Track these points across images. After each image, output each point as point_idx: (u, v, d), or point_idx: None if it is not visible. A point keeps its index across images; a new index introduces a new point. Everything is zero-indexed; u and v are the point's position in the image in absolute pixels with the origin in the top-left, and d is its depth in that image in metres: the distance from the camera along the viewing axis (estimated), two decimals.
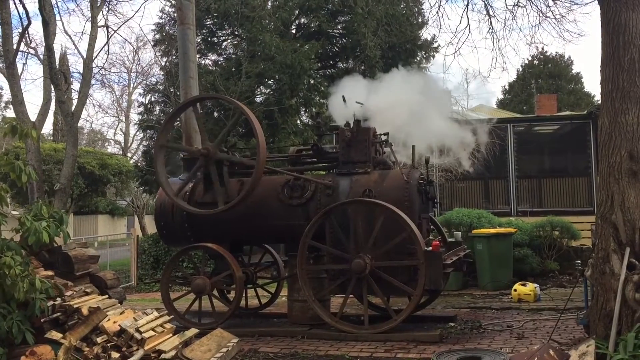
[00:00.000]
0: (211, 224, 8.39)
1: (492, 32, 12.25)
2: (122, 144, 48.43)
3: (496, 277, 11.31)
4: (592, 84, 74.17)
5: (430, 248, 7.21)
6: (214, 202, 8.19)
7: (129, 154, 44.94)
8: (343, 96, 8.39)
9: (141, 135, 33.55)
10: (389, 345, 7.06)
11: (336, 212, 7.77)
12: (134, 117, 45.38)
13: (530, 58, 42.28)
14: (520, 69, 42.95)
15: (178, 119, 9.33)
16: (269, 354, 6.89)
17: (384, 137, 8.37)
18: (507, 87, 45.26)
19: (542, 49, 40.75)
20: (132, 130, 47.14)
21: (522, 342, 7.00)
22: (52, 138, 35.96)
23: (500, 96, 45.70)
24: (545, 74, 42.63)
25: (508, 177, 16.40)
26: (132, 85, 45.08)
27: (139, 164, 22.73)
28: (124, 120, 48.47)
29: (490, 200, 16.69)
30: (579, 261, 12.43)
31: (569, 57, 44.44)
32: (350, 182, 8.04)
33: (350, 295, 7.99)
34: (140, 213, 37.89)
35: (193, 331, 7.00)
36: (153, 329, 6.64)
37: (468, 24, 11.59)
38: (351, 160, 8.21)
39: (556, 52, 42.98)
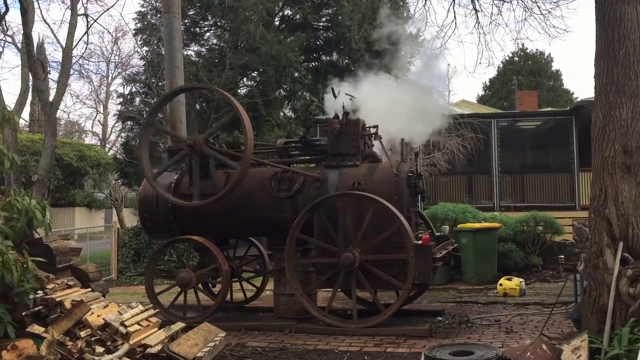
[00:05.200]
0: (197, 216, 8.24)
1: (478, 26, 12.24)
2: (100, 136, 47.79)
3: (481, 272, 11.35)
4: (571, 81, 75.15)
5: (420, 242, 7.16)
6: (200, 194, 8.04)
7: (107, 146, 44.37)
8: (332, 88, 8.29)
9: (120, 126, 33.04)
10: (378, 339, 6.99)
11: (325, 205, 7.67)
12: (112, 108, 44.80)
13: (510, 54, 42.62)
14: (501, 66, 43.26)
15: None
16: (257, 348, 6.78)
17: (373, 130, 8.28)
18: (487, 83, 45.60)
19: (523, 45, 41.04)
20: (111, 121, 46.54)
21: (511, 336, 6.99)
22: (28, 129, 35.27)
23: (481, 92, 46.04)
24: (525, 71, 42.99)
25: (491, 172, 16.48)
26: (110, 76, 44.45)
27: (118, 156, 22.34)
28: (102, 111, 47.83)
29: (474, 195, 16.77)
30: (562, 256, 12.59)
31: (549, 54, 44.89)
32: (339, 175, 7.95)
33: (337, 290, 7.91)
34: (119, 206, 37.40)
35: (179, 325, 6.85)
36: (138, 323, 6.50)
37: (455, 18, 11.55)
38: (340, 153, 8.11)
39: (536, 49, 43.43)
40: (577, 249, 13.06)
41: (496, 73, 43.80)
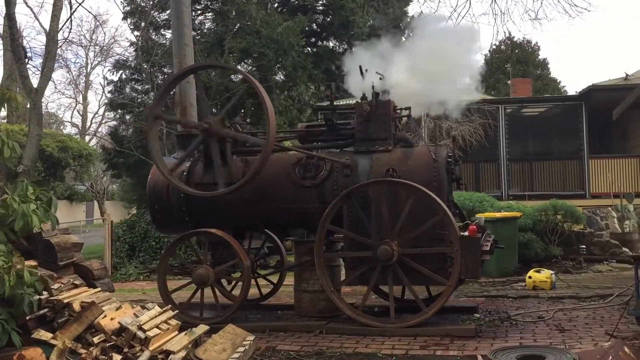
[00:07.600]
0: (212, 208, 7.53)
1: (494, 5, 11.63)
2: (80, 127, 46.62)
3: (502, 264, 10.81)
4: (558, 70, 75.81)
5: (466, 233, 6.55)
6: (216, 184, 7.33)
7: (87, 137, 43.24)
8: (360, 67, 7.60)
9: (105, 115, 31.97)
10: (421, 340, 6.35)
11: (358, 194, 7.00)
12: (91, 97, 43.66)
13: (497, 43, 42.17)
14: (488, 54, 42.81)
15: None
16: (289, 352, 6.10)
17: (405, 112, 7.63)
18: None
19: (510, 34, 40.58)
20: (90, 111, 45.38)
21: (568, 335, 6.37)
22: (6, 120, 33.94)
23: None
24: (513, 60, 42.59)
25: (499, 160, 15.94)
26: (90, 64, 43.32)
27: (107, 145, 21.37)
28: (81, 101, 46.65)
29: (481, 183, 16.23)
30: (584, 246, 12.12)
31: (536, 43, 44.50)
32: (370, 161, 7.26)
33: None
34: (101, 198, 36.31)
35: (203, 328, 6.15)
36: (157, 326, 5.80)
37: None
38: (370, 137, 7.41)
39: (524, 38, 43.01)
40: (596, 238, 12.65)
41: (483, 62, 43.34)
